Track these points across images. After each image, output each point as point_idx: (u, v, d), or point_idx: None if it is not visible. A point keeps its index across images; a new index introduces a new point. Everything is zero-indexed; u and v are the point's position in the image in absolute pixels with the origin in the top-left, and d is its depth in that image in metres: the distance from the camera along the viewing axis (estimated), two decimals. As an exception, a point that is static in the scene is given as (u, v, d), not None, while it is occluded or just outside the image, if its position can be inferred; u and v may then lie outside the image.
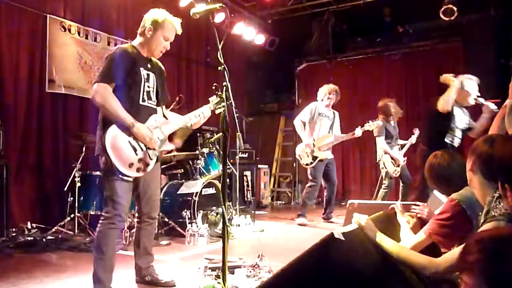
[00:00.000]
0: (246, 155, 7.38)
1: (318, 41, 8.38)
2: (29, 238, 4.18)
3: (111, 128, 2.55)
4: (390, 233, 2.08)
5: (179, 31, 2.84)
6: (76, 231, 4.44)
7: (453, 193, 2.04)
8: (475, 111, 4.34)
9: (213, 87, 2.38)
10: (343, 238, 1.70)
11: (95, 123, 2.72)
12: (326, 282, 1.59)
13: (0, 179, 4.14)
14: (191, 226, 4.35)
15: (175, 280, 2.93)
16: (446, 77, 4.15)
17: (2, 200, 4.11)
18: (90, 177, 4.54)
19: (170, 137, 2.89)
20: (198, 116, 2.89)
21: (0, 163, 4.17)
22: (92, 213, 4.51)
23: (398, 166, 5.70)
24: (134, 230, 3.22)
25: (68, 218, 4.45)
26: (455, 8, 6.36)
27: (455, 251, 1.69)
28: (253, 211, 5.61)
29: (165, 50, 2.82)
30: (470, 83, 4.14)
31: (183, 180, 5.04)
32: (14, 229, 4.37)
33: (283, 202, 8.48)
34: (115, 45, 5.54)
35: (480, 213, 1.72)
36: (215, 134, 6.25)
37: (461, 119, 4.19)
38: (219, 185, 2.46)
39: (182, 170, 5.29)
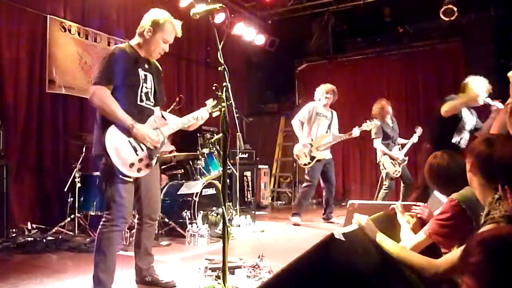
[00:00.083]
0: (246, 156, 7.38)
1: (318, 41, 8.39)
2: (29, 239, 4.18)
3: (110, 128, 2.52)
4: (391, 234, 2.08)
5: (179, 34, 2.80)
6: (76, 231, 4.44)
7: (453, 193, 2.04)
8: (482, 111, 4.34)
9: (213, 88, 2.37)
10: (343, 239, 1.70)
11: (95, 123, 2.69)
12: (327, 282, 1.59)
13: (0, 180, 4.14)
14: (191, 226, 4.35)
15: (176, 280, 2.92)
16: (471, 88, 4.08)
17: (2, 200, 4.11)
18: (90, 177, 4.54)
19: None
20: (196, 119, 2.87)
21: (0, 164, 4.17)
22: (92, 213, 4.51)
23: (399, 165, 5.69)
24: (134, 230, 3.22)
25: (68, 219, 4.45)
26: (455, 8, 6.36)
27: (455, 253, 1.69)
28: (253, 212, 5.61)
29: (163, 52, 2.78)
30: (479, 84, 4.13)
31: (183, 181, 5.04)
32: (14, 230, 4.37)
33: (283, 203, 8.47)
34: (115, 45, 5.54)
35: (481, 214, 1.72)
36: (215, 134, 6.26)
37: (469, 120, 4.18)
38: (219, 186, 2.46)
39: (182, 171, 5.29)
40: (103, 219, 2.60)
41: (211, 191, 4.85)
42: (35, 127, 4.98)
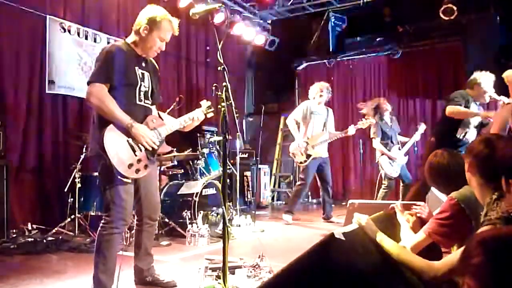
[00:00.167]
0: (246, 155, 7.38)
1: (318, 41, 8.37)
2: (29, 239, 4.18)
3: (109, 128, 2.47)
4: (391, 233, 2.08)
5: (176, 32, 2.73)
6: (76, 232, 4.44)
7: (453, 192, 2.04)
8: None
9: (213, 87, 2.36)
10: (343, 238, 1.70)
11: (91, 123, 2.65)
12: (327, 282, 1.59)
13: (0, 180, 4.14)
14: (192, 226, 4.35)
15: (176, 280, 2.92)
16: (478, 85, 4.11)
17: (2, 201, 4.11)
18: (90, 178, 4.54)
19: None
20: (192, 119, 2.85)
21: (0, 164, 4.17)
22: (92, 214, 4.51)
23: (398, 165, 5.67)
24: (133, 230, 3.21)
25: (69, 219, 4.46)
26: (455, 8, 6.35)
27: (454, 256, 1.68)
28: (253, 211, 5.61)
29: (159, 51, 2.72)
30: (486, 79, 4.13)
31: (184, 181, 5.04)
32: (14, 230, 4.37)
33: (284, 202, 8.46)
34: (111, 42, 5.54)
35: (481, 213, 1.72)
36: (215, 134, 6.28)
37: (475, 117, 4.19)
38: (220, 186, 2.46)
39: (183, 171, 5.29)
40: (103, 221, 2.56)
41: (211, 191, 4.85)
42: (35, 128, 4.98)
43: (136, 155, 2.55)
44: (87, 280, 2.71)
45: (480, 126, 4.21)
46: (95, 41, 5.62)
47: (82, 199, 4.49)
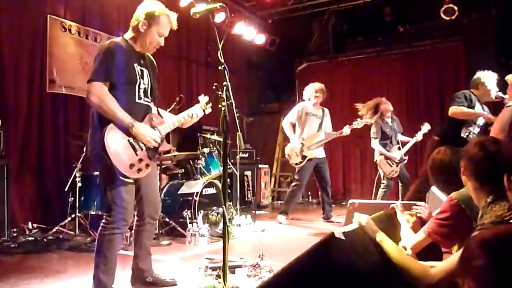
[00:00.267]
0: (246, 155, 7.38)
1: (318, 40, 8.39)
2: (30, 238, 4.19)
3: (109, 127, 2.44)
4: (391, 233, 2.08)
5: (175, 27, 2.68)
6: (77, 231, 4.44)
7: (453, 192, 2.03)
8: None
9: (214, 87, 2.35)
10: (343, 238, 1.70)
11: (91, 122, 2.61)
12: (327, 281, 1.59)
13: (1, 179, 4.14)
14: (192, 226, 4.35)
15: (176, 280, 2.92)
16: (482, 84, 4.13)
17: (3, 200, 4.11)
18: (90, 177, 4.54)
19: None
20: (190, 116, 2.82)
21: (1, 163, 4.17)
22: (93, 213, 4.51)
23: (397, 165, 5.66)
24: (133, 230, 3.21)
25: (69, 218, 4.45)
26: (455, 8, 6.35)
27: (450, 261, 1.68)
28: (253, 211, 5.61)
29: (158, 46, 2.68)
30: (490, 78, 4.13)
31: (184, 180, 5.04)
32: (15, 229, 4.38)
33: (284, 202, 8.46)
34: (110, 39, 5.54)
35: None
36: (215, 133, 6.29)
37: None
38: (220, 185, 2.46)
39: (183, 170, 5.29)
40: (104, 221, 2.53)
41: (212, 190, 4.85)
42: (35, 127, 4.98)
43: (137, 155, 2.53)
44: (87, 279, 2.71)
45: (486, 126, 4.20)
46: (95, 40, 5.62)
47: (82, 198, 4.49)
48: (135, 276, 2.87)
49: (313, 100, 5.68)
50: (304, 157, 5.57)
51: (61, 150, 5.18)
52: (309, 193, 8.50)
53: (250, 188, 7.03)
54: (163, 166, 4.87)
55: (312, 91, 5.70)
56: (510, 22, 6.53)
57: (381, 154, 5.66)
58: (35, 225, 4.57)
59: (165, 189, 4.87)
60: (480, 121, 4.18)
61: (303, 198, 8.51)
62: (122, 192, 2.50)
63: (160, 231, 4.40)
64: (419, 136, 5.75)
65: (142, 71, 2.64)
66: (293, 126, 5.74)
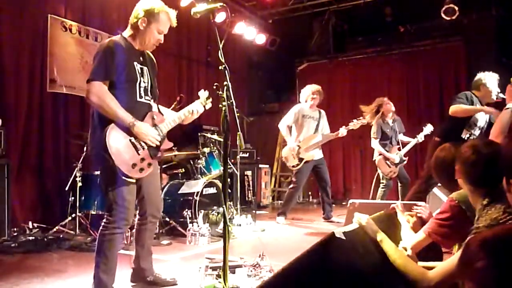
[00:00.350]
0: (247, 155, 7.39)
1: (319, 40, 8.39)
2: (30, 238, 4.20)
3: (111, 127, 2.43)
4: (391, 233, 2.08)
5: (174, 24, 2.67)
6: (77, 230, 4.44)
7: (454, 192, 2.03)
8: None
9: (214, 87, 2.35)
10: (344, 238, 1.70)
11: (91, 121, 2.60)
12: (327, 281, 1.59)
13: (1, 179, 4.15)
14: (192, 225, 4.35)
15: (176, 279, 2.92)
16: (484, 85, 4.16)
17: (3, 199, 4.12)
18: (91, 176, 4.54)
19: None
20: (191, 112, 2.80)
21: (1, 163, 4.17)
22: (93, 212, 4.51)
23: (396, 166, 5.65)
24: (134, 230, 3.20)
25: (69, 218, 4.46)
26: (456, 8, 6.35)
27: (447, 265, 1.67)
28: (254, 211, 5.61)
29: (158, 44, 2.67)
30: (491, 79, 4.13)
31: (184, 180, 5.05)
32: (15, 229, 4.38)
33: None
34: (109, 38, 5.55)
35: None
36: (215, 133, 6.29)
37: (482, 117, 4.18)
38: (220, 185, 2.46)
39: (183, 170, 5.29)
40: (105, 221, 2.53)
41: (212, 190, 4.85)
42: (36, 127, 4.99)
43: (139, 154, 2.52)
44: (87, 279, 2.72)
45: (488, 127, 4.20)
46: (96, 40, 5.62)
47: (83, 197, 4.49)
48: (136, 274, 2.87)
49: (310, 102, 5.65)
50: (301, 159, 5.54)
51: (61, 150, 5.19)
52: (310, 193, 8.51)
53: (251, 188, 7.03)
54: (163, 166, 4.87)
55: (309, 93, 5.67)
56: (510, 22, 6.53)
57: (380, 154, 5.66)
58: (35, 225, 4.57)
59: (165, 189, 4.87)
60: (481, 123, 4.18)
61: (303, 198, 8.52)
62: (123, 192, 2.49)
63: (161, 231, 4.40)
64: (420, 137, 5.68)
65: (142, 69, 2.63)
66: (290, 128, 5.72)
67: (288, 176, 8.71)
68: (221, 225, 4.52)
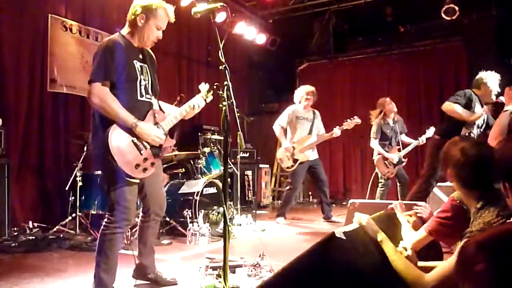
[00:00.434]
0: (247, 155, 7.39)
1: (319, 40, 8.39)
2: (30, 237, 4.20)
3: (113, 128, 2.42)
4: (392, 232, 2.08)
5: (172, 20, 2.65)
6: (77, 230, 4.44)
7: (454, 193, 2.03)
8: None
9: (214, 87, 2.36)
10: (344, 237, 1.70)
11: (92, 122, 2.60)
12: (327, 281, 1.59)
13: (1, 179, 4.15)
14: (192, 225, 4.35)
15: (177, 279, 2.92)
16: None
17: (4, 199, 4.12)
18: (91, 176, 4.54)
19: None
20: (192, 107, 2.79)
21: (1, 163, 4.18)
22: (93, 212, 4.51)
23: (394, 167, 5.64)
24: (135, 229, 3.21)
25: (70, 218, 4.46)
26: (456, 8, 6.35)
27: (444, 266, 1.67)
28: (254, 211, 5.62)
29: (157, 40, 2.65)
30: (492, 79, 4.14)
31: (184, 180, 5.05)
32: (16, 229, 4.38)
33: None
34: (107, 37, 5.55)
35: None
36: (216, 133, 6.29)
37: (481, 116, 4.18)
38: (220, 185, 2.46)
39: (183, 170, 5.29)
40: (106, 220, 2.53)
41: (212, 190, 4.85)
42: (36, 126, 4.99)
43: (142, 154, 2.52)
44: (88, 278, 2.72)
45: (486, 127, 4.21)
46: (96, 40, 5.62)
47: (83, 197, 4.49)
48: (138, 270, 2.89)
49: (304, 103, 5.62)
50: (295, 160, 5.52)
51: (61, 150, 5.19)
52: (310, 193, 8.51)
53: (251, 188, 7.03)
54: (163, 166, 4.86)
55: (302, 93, 5.65)
56: (510, 22, 6.52)
57: (379, 153, 5.66)
58: (35, 224, 4.57)
59: (165, 189, 4.85)
60: (479, 121, 4.19)
61: (303, 198, 8.52)
62: (125, 192, 2.49)
63: (161, 231, 4.40)
64: (421, 140, 5.61)
65: (141, 67, 2.62)
66: (284, 130, 5.71)
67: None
68: (221, 225, 4.52)
